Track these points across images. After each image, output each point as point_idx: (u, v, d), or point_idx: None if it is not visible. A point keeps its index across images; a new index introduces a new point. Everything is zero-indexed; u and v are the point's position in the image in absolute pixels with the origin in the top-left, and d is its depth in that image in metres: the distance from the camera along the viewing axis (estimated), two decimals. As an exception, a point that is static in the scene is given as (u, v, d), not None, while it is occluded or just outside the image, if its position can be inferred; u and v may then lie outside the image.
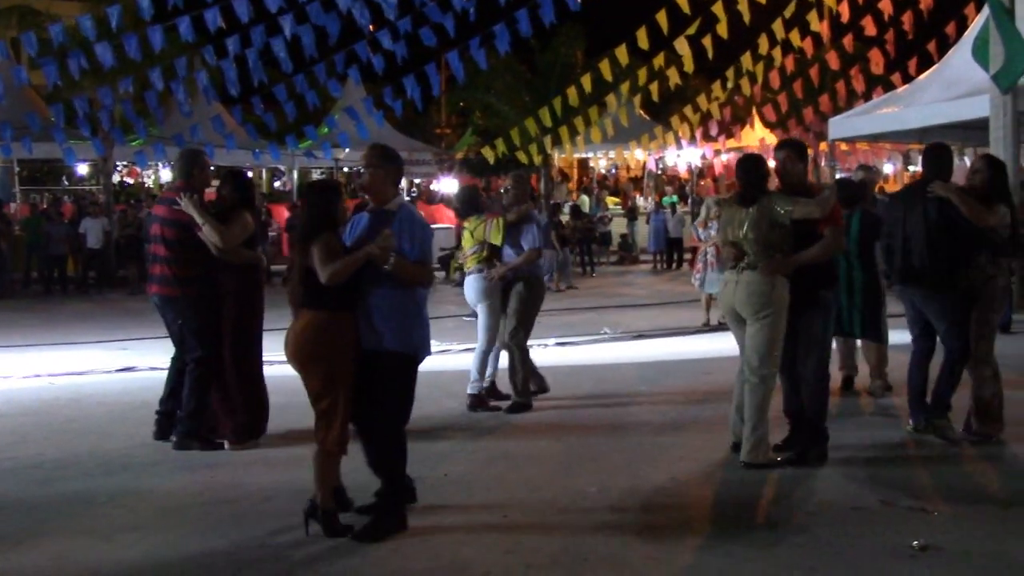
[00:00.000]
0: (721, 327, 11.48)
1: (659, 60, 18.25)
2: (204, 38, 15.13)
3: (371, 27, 14.98)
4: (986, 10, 12.66)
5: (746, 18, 16.54)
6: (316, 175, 33.43)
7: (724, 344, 11.18)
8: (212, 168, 8.72)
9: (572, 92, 17.87)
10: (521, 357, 7.89)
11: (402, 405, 5.15)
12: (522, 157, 19.36)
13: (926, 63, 17.68)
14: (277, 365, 9.62)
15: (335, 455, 5.05)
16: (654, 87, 18.97)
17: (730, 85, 19.30)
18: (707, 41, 16.98)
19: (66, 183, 28.85)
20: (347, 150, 24.29)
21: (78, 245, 19.26)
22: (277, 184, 32.51)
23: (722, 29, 16.66)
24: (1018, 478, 5.99)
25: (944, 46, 17.20)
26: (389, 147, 5.37)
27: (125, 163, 28.19)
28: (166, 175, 31.11)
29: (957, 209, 6.31)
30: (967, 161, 21.98)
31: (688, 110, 20.19)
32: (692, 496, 5.65)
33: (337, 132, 20.47)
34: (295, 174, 29.34)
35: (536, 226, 8.04)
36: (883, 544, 4.81)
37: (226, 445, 6.78)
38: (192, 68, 16.01)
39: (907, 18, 17.93)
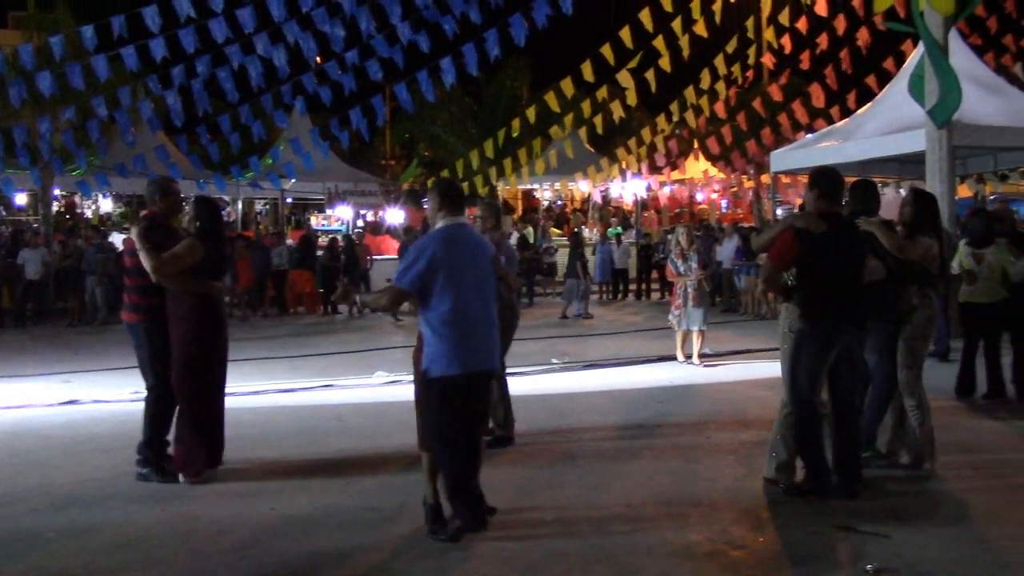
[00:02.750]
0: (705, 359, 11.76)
1: (603, 93, 18.54)
2: (149, 67, 15.03)
3: (318, 59, 15.01)
4: (922, 47, 13.01)
5: (686, 52, 16.88)
6: (260, 206, 33.18)
7: (675, 373, 11.37)
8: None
9: (517, 123, 18.02)
10: (501, 390, 7.80)
11: (429, 420, 5.43)
12: (466, 189, 19.43)
13: (865, 97, 18.15)
14: (240, 396, 9.69)
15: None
16: (599, 120, 19.22)
17: (675, 119, 19.61)
18: (650, 75, 17.29)
19: (3, 213, 28.25)
20: (292, 180, 24.20)
21: (15, 276, 18.82)
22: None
23: (665, 63, 16.99)
24: (963, 503, 6.11)
25: (883, 80, 17.67)
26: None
27: (65, 193, 27.69)
28: (107, 205, 30.63)
29: (881, 244, 6.42)
30: (904, 194, 22.58)
31: (633, 142, 20.48)
32: (647, 522, 5.67)
33: (283, 163, 20.42)
34: (240, 205, 29.10)
35: (513, 255, 8.10)
36: (839, 568, 4.88)
37: (180, 478, 6.66)
38: (136, 97, 15.86)
39: (845, 54, 18.46)
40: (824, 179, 6.28)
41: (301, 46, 14.06)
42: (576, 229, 28.72)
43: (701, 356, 11.95)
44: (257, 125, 16.14)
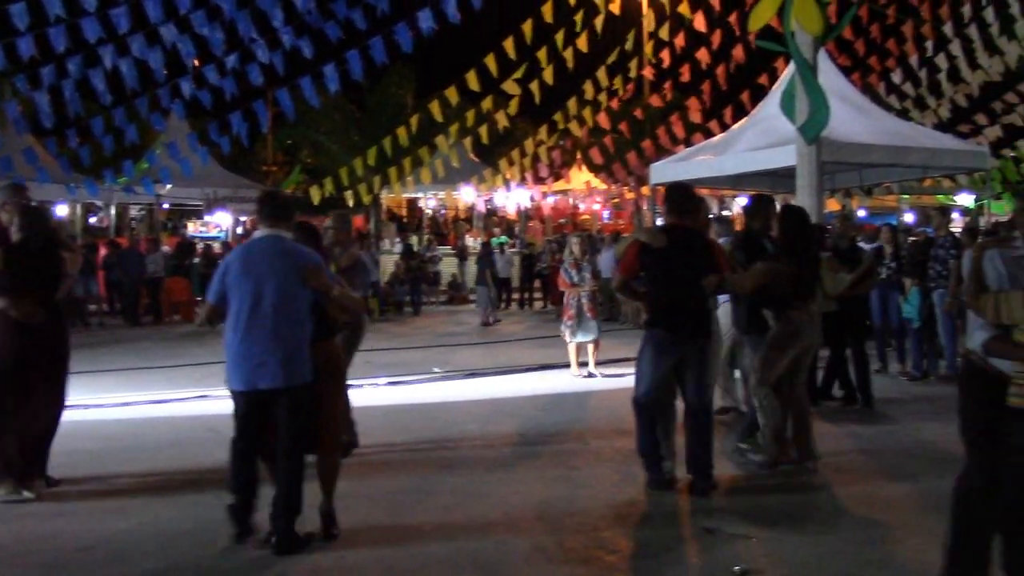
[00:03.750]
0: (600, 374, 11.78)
1: (488, 103, 18.64)
2: (16, 67, 14.43)
3: (195, 61, 14.65)
4: (792, 65, 13.47)
5: (570, 64, 17.13)
6: (135, 211, 32.17)
7: (556, 382, 11.47)
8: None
9: (402, 132, 17.96)
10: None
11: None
12: (350, 197, 19.25)
13: (741, 112, 18.70)
14: (109, 408, 9.35)
15: None
16: (483, 129, 19.30)
17: (560, 127, 19.86)
18: (534, 86, 17.48)
19: None
20: (169, 186, 23.53)
21: None
22: (93, 220, 31.05)
23: (548, 75, 17.20)
24: (828, 504, 6.34)
25: (757, 96, 18.24)
26: None
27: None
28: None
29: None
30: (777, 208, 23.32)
31: (516, 153, 20.63)
32: (524, 529, 5.71)
33: (159, 167, 19.86)
34: (112, 210, 28.14)
35: (366, 270, 7.96)
36: (706, 570, 5.02)
37: (24, 492, 6.40)
38: (2, 97, 15.19)
39: (721, 70, 19.02)
40: (671, 194, 6.81)
41: (179, 48, 13.71)
42: (459, 239, 28.82)
43: (597, 365, 11.88)
44: (132, 128, 15.65)
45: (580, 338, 11.74)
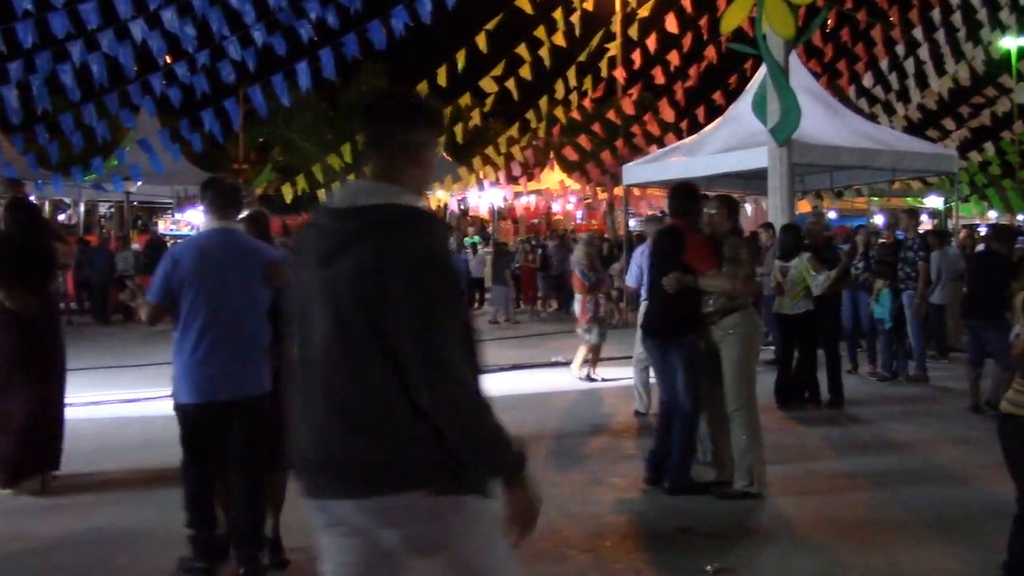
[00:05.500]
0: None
1: (465, 99, 18.65)
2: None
3: (167, 58, 14.54)
4: (764, 67, 13.56)
5: (547, 63, 17.18)
6: (105, 208, 31.84)
7: (527, 382, 11.47)
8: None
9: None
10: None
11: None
12: (322, 195, 19.17)
13: (713, 113, 18.81)
14: (79, 407, 9.25)
15: None
16: (459, 128, 19.30)
17: (534, 126, 19.90)
18: (511, 84, 17.51)
19: None
20: (139, 183, 23.32)
21: None
22: (62, 217, 30.70)
23: (525, 71, 17.24)
24: (803, 505, 6.40)
25: (729, 97, 18.36)
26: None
27: None
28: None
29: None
30: (748, 210, 23.47)
31: (492, 151, 20.64)
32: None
33: (129, 164, 19.68)
34: (81, 207, 27.84)
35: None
36: (680, 568, 5.05)
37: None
38: (-32, 92, 14.98)
39: (694, 71, 19.13)
40: (671, 195, 6.83)
41: (149, 45, 13.60)
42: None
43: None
44: (101, 125, 15.49)
45: (596, 339, 11.19)
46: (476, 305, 22.80)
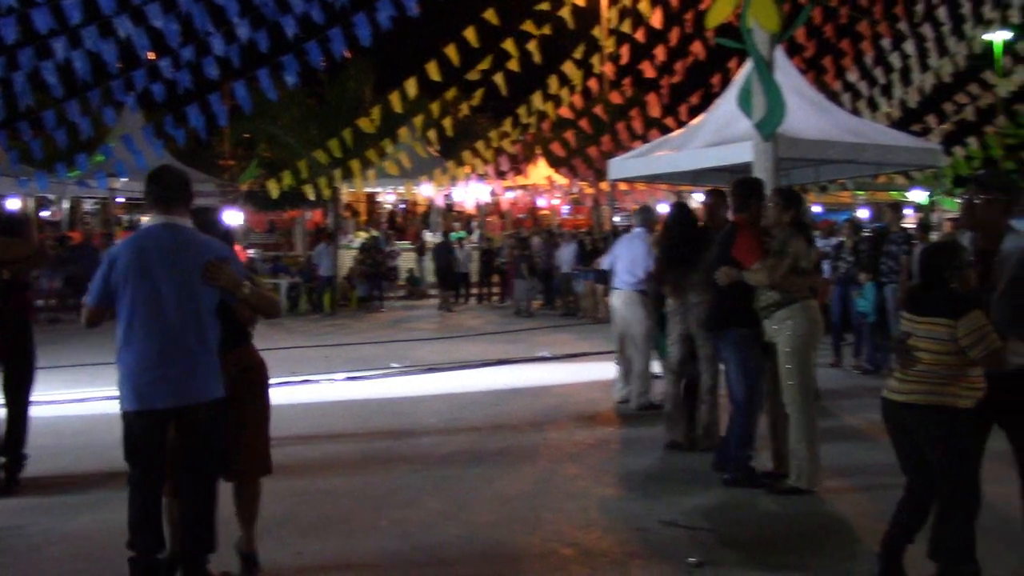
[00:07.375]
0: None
1: (451, 93, 18.60)
2: (-36, 58, 14.15)
3: (150, 54, 14.45)
4: (750, 62, 13.58)
5: (537, 58, 17.15)
6: (89, 205, 31.71)
7: (513, 377, 11.50)
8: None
9: (365, 123, 17.86)
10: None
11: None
12: (308, 191, 19.10)
13: (698, 108, 18.82)
14: (66, 404, 9.21)
15: None
16: (447, 122, 19.25)
17: (523, 121, 19.86)
18: (499, 78, 17.47)
19: None
20: (124, 179, 23.22)
21: None
22: (46, 214, 30.56)
23: (513, 64, 17.21)
24: (786, 497, 6.43)
25: (713, 92, 18.37)
26: None
27: None
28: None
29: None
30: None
31: (481, 145, 20.61)
32: (481, 524, 5.73)
33: (113, 161, 19.59)
34: (65, 204, 27.71)
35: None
36: (662, 561, 5.07)
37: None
38: (-50, 89, 14.89)
39: (680, 66, 19.14)
40: (732, 190, 7.06)
41: (133, 41, 13.52)
42: (419, 234, 28.74)
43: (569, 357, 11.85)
44: (85, 121, 15.41)
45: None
46: (462, 299, 22.85)
